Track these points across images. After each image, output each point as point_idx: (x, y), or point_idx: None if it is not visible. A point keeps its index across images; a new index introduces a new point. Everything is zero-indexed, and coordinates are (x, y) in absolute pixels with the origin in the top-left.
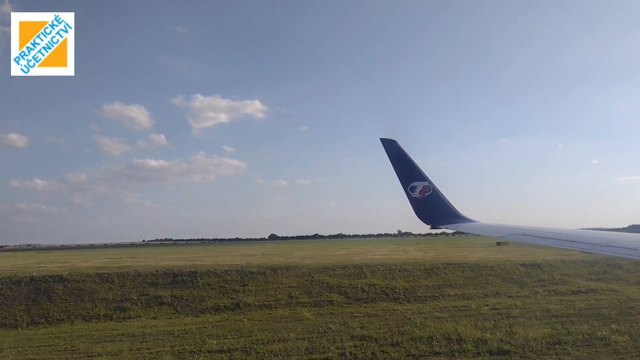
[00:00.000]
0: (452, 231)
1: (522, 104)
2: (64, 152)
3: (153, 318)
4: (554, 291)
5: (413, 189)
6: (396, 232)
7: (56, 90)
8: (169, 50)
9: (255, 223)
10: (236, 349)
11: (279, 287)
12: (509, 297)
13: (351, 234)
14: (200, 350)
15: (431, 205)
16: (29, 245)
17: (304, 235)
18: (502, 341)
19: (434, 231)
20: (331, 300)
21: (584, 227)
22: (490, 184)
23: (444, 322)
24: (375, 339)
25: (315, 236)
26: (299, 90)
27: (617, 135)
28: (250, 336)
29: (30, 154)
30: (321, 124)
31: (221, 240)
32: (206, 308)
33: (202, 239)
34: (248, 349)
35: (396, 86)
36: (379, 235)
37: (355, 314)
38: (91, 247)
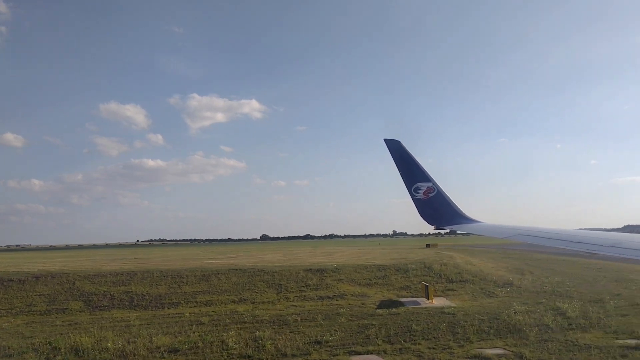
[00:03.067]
0: (445, 231)
1: (521, 104)
2: (61, 152)
3: None
4: (303, 297)
5: (417, 189)
6: (391, 232)
7: (52, 90)
8: (164, 49)
9: (255, 223)
10: None
11: (29, 296)
12: (253, 303)
13: (343, 235)
14: None
15: (435, 206)
16: (18, 245)
17: (296, 235)
18: (104, 350)
19: (431, 231)
20: (66, 308)
21: (581, 228)
22: (488, 183)
23: (105, 331)
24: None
25: (307, 236)
26: (296, 89)
27: (616, 136)
28: None
29: (27, 154)
30: (319, 124)
31: (210, 240)
32: None
33: (193, 239)
34: None
35: (394, 86)
36: (370, 235)
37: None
38: (80, 247)
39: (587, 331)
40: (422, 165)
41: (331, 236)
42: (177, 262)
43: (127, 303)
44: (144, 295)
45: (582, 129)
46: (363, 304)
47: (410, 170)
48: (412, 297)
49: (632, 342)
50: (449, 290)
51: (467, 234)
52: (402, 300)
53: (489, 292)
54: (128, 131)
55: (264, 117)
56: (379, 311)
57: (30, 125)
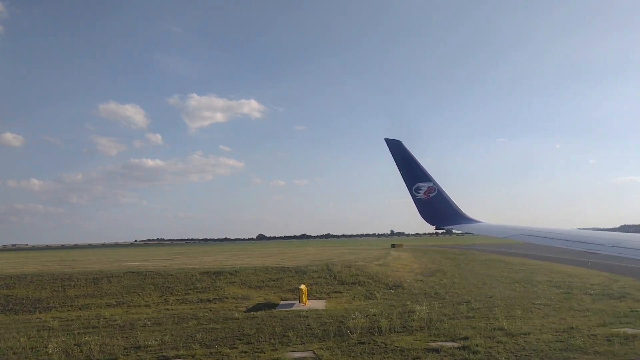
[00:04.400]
0: (441, 231)
1: (520, 104)
2: (60, 152)
3: None
4: (184, 300)
5: (418, 189)
6: (388, 232)
7: (51, 90)
8: (163, 49)
9: (254, 223)
10: None
11: None
12: (129, 306)
13: (339, 235)
14: None
15: (436, 206)
16: (14, 245)
17: (292, 235)
18: None
19: (430, 231)
20: None
21: (580, 228)
22: (487, 183)
23: None
24: None
25: (303, 236)
26: (296, 89)
27: (615, 135)
28: None
29: (26, 153)
30: (318, 124)
31: (207, 240)
32: None
33: (189, 239)
34: None
35: (393, 85)
36: (367, 235)
37: None
38: (76, 247)
39: (413, 334)
40: (423, 165)
41: (327, 236)
42: (98, 265)
43: (1, 307)
44: (23, 299)
45: (581, 129)
46: (236, 307)
47: (411, 170)
48: (296, 299)
49: (448, 344)
50: (335, 292)
51: (465, 233)
52: (281, 302)
53: (371, 294)
54: (127, 131)
55: (264, 116)
56: (244, 314)
57: (29, 125)
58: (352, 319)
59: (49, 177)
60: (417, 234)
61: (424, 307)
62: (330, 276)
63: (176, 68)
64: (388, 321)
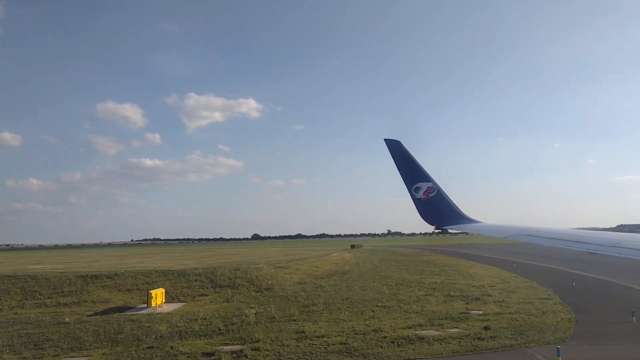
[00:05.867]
0: (437, 231)
1: (519, 103)
2: (59, 152)
3: None
4: (42, 304)
5: (417, 189)
6: (385, 232)
7: (49, 89)
8: (161, 48)
9: (253, 222)
10: None
11: None
12: None
13: (334, 234)
14: None
15: (435, 206)
16: (7, 245)
17: (287, 235)
18: None
19: (428, 230)
20: None
21: (578, 227)
22: (486, 182)
23: None
24: None
25: (298, 236)
26: (294, 88)
27: (614, 135)
28: None
29: (24, 153)
30: (317, 123)
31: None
32: None
33: (184, 239)
34: None
35: (392, 85)
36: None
37: None
38: (69, 246)
39: (212, 337)
40: (422, 165)
41: (322, 235)
42: (13, 268)
43: None
44: None
45: (580, 128)
46: (87, 310)
47: (411, 170)
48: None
49: (234, 347)
50: (201, 295)
51: (461, 233)
52: (139, 306)
53: (231, 298)
54: (125, 130)
55: (262, 116)
56: (85, 318)
57: (27, 124)
58: (169, 323)
59: (47, 177)
60: (412, 234)
61: (252, 311)
62: (208, 279)
63: (174, 67)
64: (199, 325)
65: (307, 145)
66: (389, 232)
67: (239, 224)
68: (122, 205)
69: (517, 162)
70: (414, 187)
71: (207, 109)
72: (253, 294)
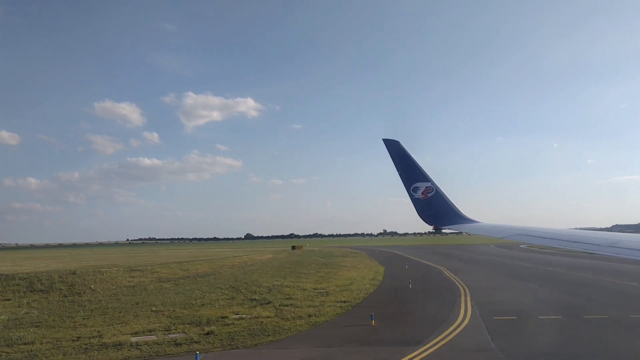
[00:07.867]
0: (434, 231)
1: (518, 103)
2: (56, 151)
3: None
4: None
5: (416, 189)
6: (381, 232)
7: (46, 88)
8: (158, 47)
9: (251, 222)
10: None
11: None
12: None
13: (327, 234)
14: None
15: (434, 206)
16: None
17: (279, 235)
18: None
19: (424, 230)
20: None
21: (576, 227)
22: (484, 182)
23: None
24: None
25: (291, 236)
26: (292, 87)
27: (613, 134)
28: None
29: (22, 152)
30: (315, 122)
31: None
32: None
33: (180, 239)
34: None
35: (391, 85)
36: (356, 234)
37: None
38: (60, 246)
39: None
40: (421, 165)
41: (315, 235)
42: None
43: None
44: None
45: (579, 128)
46: None
47: (409, 170)
48: None
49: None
50: (5, 300)
51: (458, 232)
52: None
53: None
54: (123, 129)
55: (260, 115)
56: None
57: (25, 123)
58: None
59: (45, 176)
60: (405, 234)
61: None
62: (29, 283)
63: (172, 66)
64: None
65: (306, 145)
66: (385, 232)
67: (236, 224)
68: (120, 204)
69: (516, 162)
70: (412, 187)
71: (205, 108)
72: (58, 298)
